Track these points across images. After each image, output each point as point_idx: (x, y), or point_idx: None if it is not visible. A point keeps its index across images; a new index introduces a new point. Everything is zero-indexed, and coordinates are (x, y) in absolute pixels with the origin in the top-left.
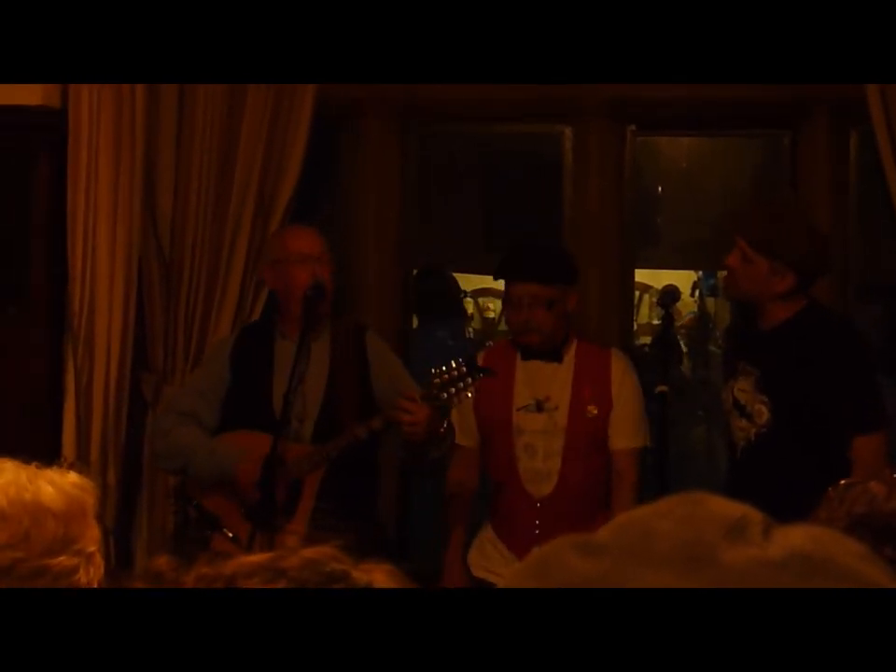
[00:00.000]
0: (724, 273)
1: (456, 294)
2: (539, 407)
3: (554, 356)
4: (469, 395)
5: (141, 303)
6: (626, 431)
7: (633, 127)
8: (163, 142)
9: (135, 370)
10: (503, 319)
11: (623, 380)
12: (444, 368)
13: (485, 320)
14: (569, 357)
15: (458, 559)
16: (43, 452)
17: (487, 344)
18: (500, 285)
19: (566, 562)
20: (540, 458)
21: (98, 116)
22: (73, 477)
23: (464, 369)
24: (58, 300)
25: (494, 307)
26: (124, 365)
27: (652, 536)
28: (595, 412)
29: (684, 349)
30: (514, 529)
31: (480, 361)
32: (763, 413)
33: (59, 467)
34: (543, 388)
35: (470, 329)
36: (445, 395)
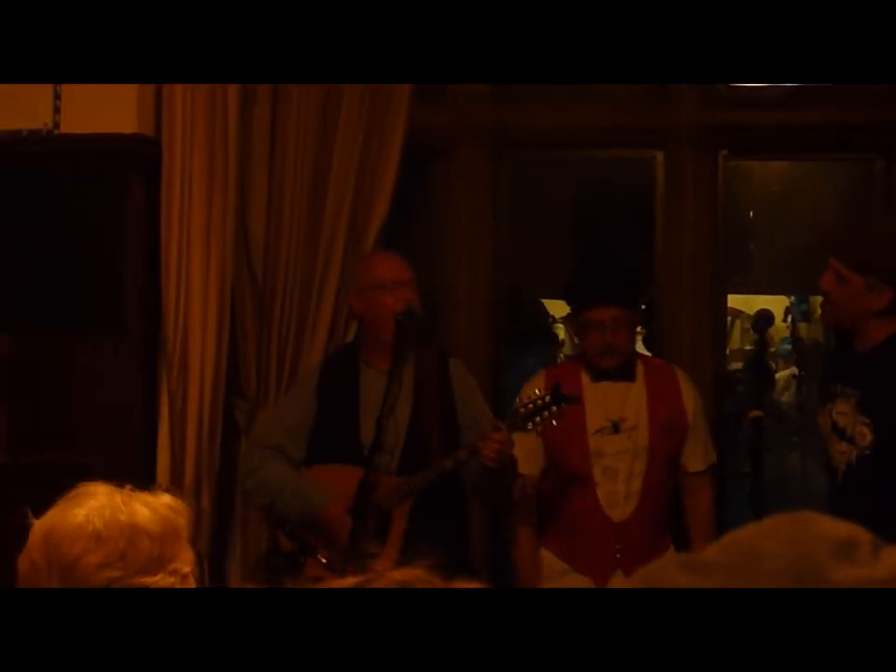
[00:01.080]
0: (817, 297)
1: (546, 320)
2: (617, 428)
3: (627, 375)
4: (555, 423)
5: (234, 330)
6: (700, 449)
7: (725, 152)
8: (256, 167)
9: (229, 396)
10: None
11: (693, 396)
12: (530, 396)
13: (576, 346)
14: (640, 375)
15: (534, 555)
16: (138, 477)
17: (544, 369)
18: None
19: (673, 580)
20: (622, 480)
21: (191, 138)
22: (167, 499)
23: (548, 397)
24: (152, 327)
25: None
26: (218, 390)
27: (759, 555)
28: (674, 428)
29: (777, 374)
30: (591, 553)
31: (543, 383)
32: (865, 434)
33: (153, 490)
34: (617, 409)
35: (561, 356)
36: (530, 424)
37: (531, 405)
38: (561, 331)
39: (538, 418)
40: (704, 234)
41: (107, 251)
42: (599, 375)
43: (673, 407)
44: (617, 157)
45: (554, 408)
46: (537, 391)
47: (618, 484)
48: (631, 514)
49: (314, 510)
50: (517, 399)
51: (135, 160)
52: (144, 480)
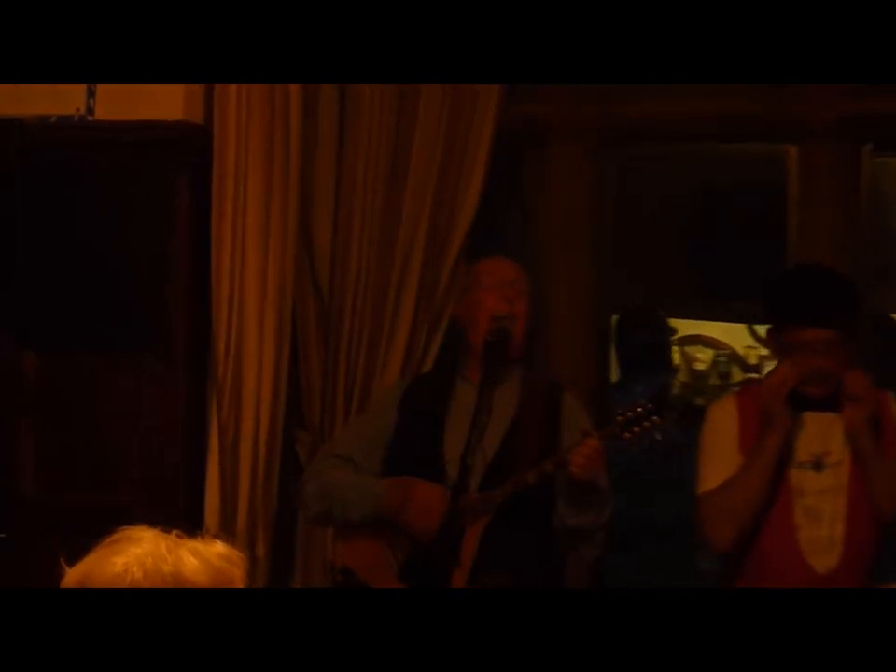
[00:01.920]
0: None
1: (667, 341)
2: (819, 464)
3: (834, 405)
4: (659, 437)
5: (295, 350)
6: None
7: (869, 146)
8: (321, 162)
9: (288, 427)
10: (715, 372)
11: None
12: (631, 405)
13: (693, 372)
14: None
15: None
16: (182, 520)
17: (734, 393)
18: (712, 330)
19: None
20: (826, 524)
21: (247, 131)
22: (219, 547)
23: (650, 406)
24: (200, 347)
25: (704, 357)
26: (276, 421)
27: None
28: None
29: None
30: None
31: (734, 407)
32: None
33: (203, 537)
34: (821, 442)
35: (676, 383)
36: (628, 434)
37: (630, 413)
38: (676, 355)
39: (636, 428)
40: (842, 241)
41: (149, 257)
42: (803, 404)
43: (881, 437)
44: (741, 153)
45: (656, 417)
46: (641, 399)
47: (821, 529)
48: (837, 565)
49: (373, 500)
50: (618, 409)
51: (182, 151)
52: (189, 524)
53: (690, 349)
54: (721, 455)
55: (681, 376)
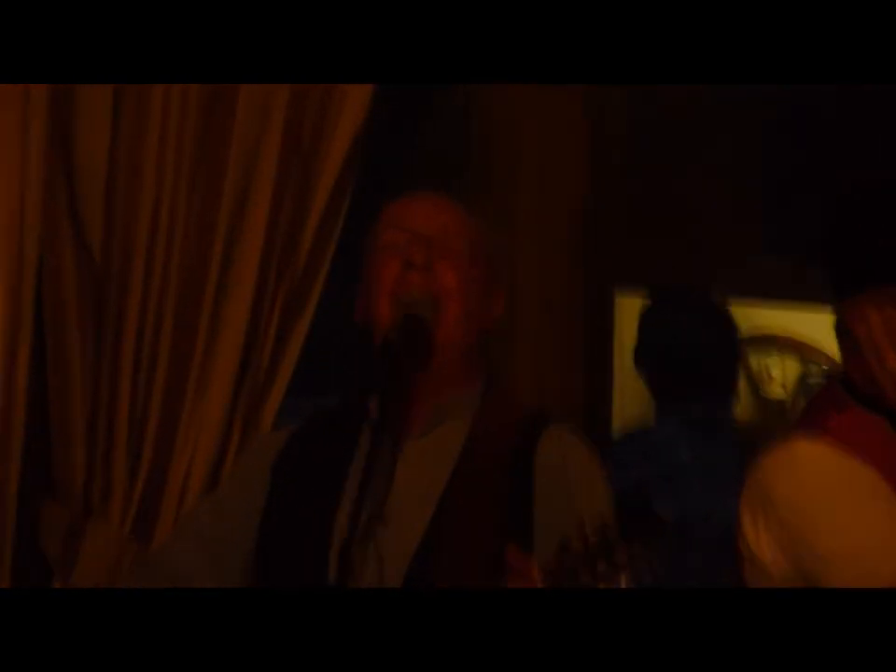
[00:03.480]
0: None
1: (730, 346)
2: None
3: None
4: (624, 585)
5: (41, 359)
6: None
7: None
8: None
9: (30, 492)
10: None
11: None
12: (588, 526)
13: (761, 401)
14: None
15: None
16: None
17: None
18: (803, 327)
19: None
20: None
21: None
22: None
23: (615, 534)
24: None
25: (781, 374)
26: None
27: None
28: None
29: None
30: None
31: (831, 437)
32: None
33: None
34: None
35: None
36: (568, 579)
37: (580, 544)
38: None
39: (588, 572)
40: None
41: None
42: None
43: None
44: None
45: (625, 556)
46: (604, 519)
47: None
48: None
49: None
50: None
51: None
52: None
53: (759, 358)
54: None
55: (743, 409)
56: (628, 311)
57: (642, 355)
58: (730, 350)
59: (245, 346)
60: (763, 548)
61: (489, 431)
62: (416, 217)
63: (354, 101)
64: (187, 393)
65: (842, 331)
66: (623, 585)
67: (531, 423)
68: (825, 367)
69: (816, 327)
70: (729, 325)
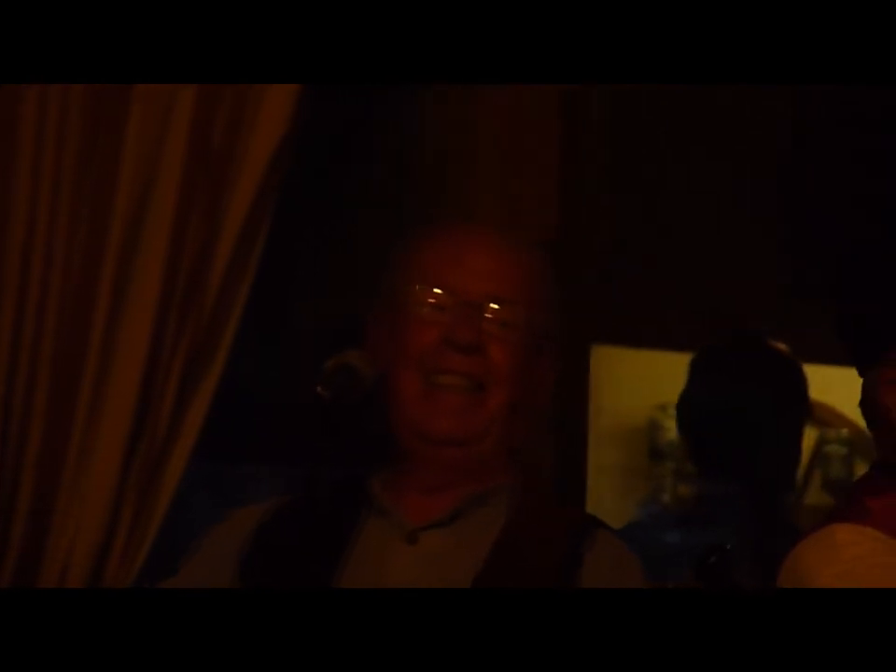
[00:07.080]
0: None
1: (797, 413)
2: None
3: None
4: None
5: None
6: None
7: None
8: None
9: None
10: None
11: None
12: None
13: (829, 482)
14: None
15: None
16: None
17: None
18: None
19: None
20: None
21: None
22: None
23: None
24: None
25: (839, 451)
26: None
27: None
28: None
29: None
30: None
31: (874, 522)
32: None
33: None
34: None
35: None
36: None
37: None
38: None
39: None
40: None
41: None
42: None
43: None
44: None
45: None
46: None
47: None
48: None
49: None
50: None
51: None
52: None
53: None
54: None
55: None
56: (605, 363)
57: (685, 413)
58: (796, 410)
59: (140, 405)
60: None
61: (529, 526)
62: (465, 272)
63: (275, 100)
64: (67, 460)
65: (868, 403)
66: None
67: (580, 526)
68: (844, 431)
69: (828, 385)
70: (797, 377)
